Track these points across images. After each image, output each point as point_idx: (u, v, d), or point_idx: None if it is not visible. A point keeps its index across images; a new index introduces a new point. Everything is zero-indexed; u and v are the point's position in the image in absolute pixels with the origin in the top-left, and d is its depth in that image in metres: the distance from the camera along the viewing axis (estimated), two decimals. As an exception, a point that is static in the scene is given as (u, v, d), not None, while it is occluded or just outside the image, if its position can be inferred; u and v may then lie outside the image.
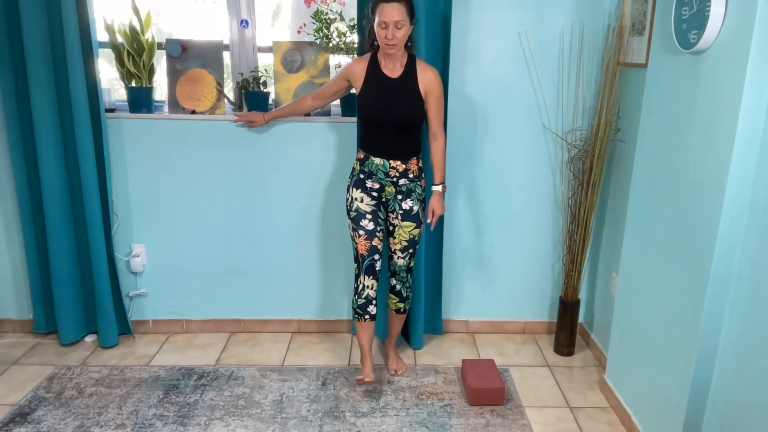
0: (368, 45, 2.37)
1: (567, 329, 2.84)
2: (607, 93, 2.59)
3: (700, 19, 1.75)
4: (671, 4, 1.92)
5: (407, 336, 2.91)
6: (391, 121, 2.32)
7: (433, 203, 2.42)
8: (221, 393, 2.50)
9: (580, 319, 3.03)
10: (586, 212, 2.71)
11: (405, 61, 2.32)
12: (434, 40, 2.58)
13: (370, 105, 2.33)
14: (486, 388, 2.41)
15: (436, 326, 2.99)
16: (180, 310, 3.02)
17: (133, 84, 2.73)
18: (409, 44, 2.33)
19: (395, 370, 2.65)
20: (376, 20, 2.19)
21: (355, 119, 2.67)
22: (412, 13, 2.22)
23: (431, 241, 2.82)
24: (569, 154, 2.79)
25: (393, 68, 2.32)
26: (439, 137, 2.41)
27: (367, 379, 2.37)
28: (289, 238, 2.92)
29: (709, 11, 1.70)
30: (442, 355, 2.86)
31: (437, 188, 2.42)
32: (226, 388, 2.53)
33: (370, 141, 2.38)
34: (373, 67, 2.33)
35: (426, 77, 2.32)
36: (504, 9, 2.66)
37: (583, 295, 2.96)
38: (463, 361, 2.61)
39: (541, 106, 2.77)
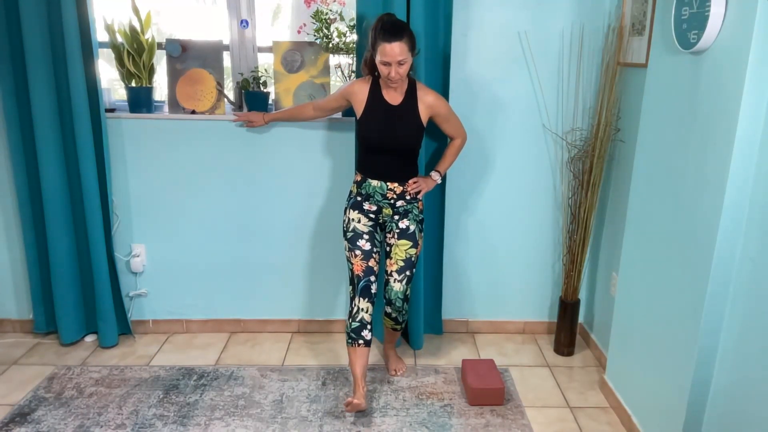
0: (366, 71, 2.35)
1: (567, 329, 2.84)
2: (607, 93, 2.59)
3: (700, 19, 1.75)
4: (671, 4, 1.92)
5: (407, 336, 2.91)
6: (391, 147, 2.33)
7: (424, 179, 2.43)
8: (221, 393, 2.50)
9: (580, 319, 3.03)
10: (586, 212, 2.71)
11: (406, 87, 2.31)
12: (434, 41, 2.58)
13: (371, 131, 2.32)
14: (486, 388, 2.41)
15: (436, 326, 2.99)
16: (180, 310, 3.02)
17: (133, 84, 2.73)
18: (410, 72, 2.30)
19: (395, 370, 2.65)
20: (378, 58, 2.16)
21: (354, 119, 2.66)
22: (413, 46, 2.20)
23: (431, 241, 2.82)
24: (569, 154, 2.79)
25: (394, 95, 2.31)
26: (456, 138, 2.49)
27: (356, 401, 2.22)
28: (289, 238, 2.92)
29: (709, 11, 1.70)
30: (442, 355, 2.86)
31: (434, 174, 2.48)
32: (226, 388, 2.53)
33: (369, 164, 2.37)
34: (375, 93, 2.32)
35: (427, 103, 2.31)
36: (504, 9, 2.66)
37: (583, 295, 2.96)
38: (463, 361, 2.61)
39: (541, 106, 2.77)
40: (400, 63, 2.15)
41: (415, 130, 2.32)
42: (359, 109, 2.34)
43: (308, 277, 2.99)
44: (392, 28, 2.14)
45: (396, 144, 2.32)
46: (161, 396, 2.47)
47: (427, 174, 2.52)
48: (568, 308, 2.82)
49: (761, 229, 1.62)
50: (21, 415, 2.33)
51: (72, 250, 2.80)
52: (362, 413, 2.36)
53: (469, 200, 2.90)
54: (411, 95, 2.31)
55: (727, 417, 1.77)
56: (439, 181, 2.50)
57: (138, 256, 2.91)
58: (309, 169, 2.83)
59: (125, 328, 2.94)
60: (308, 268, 2.98)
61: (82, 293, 2.88)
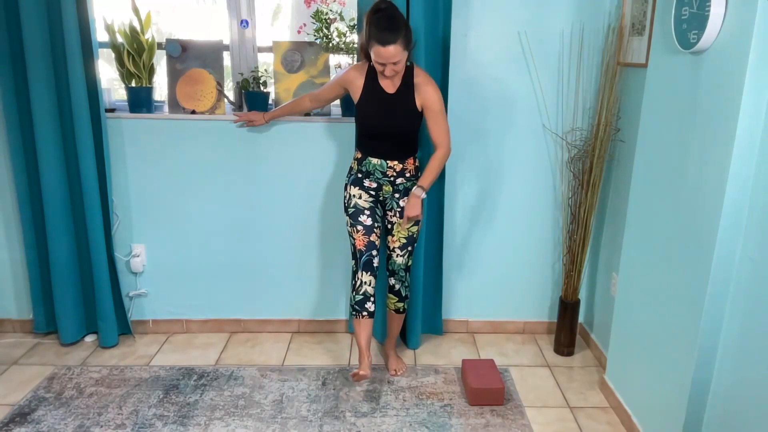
0: (362, 56, 2.34)
1: (567, 329, 2.84)
2: (607, 93, 2.59)
3: (700, 19, 1.75)
4: (671, 4, 1.92)
5: (404, 335, 2.90)
6: (388, 132, 2.35)
7: (407, 203, 2.36)
8: (221, 393, 2.50)
9: (580, 319, 3.03)
10: (586, 212, 2.71)
11: (402, 73, 2.30)
12: (434, 42, 2.58)
13: (368, 118, 2.35)
14: (486, 388, 2.41)
15: (436, 326, 2.99)
16: (180, 310, 3.02)
17: (133, 84, 2.73)
18: (408, 63, 2.29)
19: (395, 370, 2.65)
20: (372, 56, 2.17)
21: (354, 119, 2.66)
22: (408, 43, 2.18)
23: (431, 241, 2.82)
24: (569, 154, 2.79)
25: (390, 83, 2.31)
26: (439, 147, 2.34)
27: (362, 373, 2.30)
28: (289, 238, 2.92)
29: (709, 11, 1.70)
30: (442, 355, 2.86)
31: (416, 189, 2.34)
32: (226, 388, 2.53)
33: (368, 144, 2.40)
34: (370, 80, 2.32)
35: (423, 92, 2.29)
36: (504, 9, 2.66)
37: (583, 295, 2.96)
38: (463, 361, 2.61)
39: (541, 106, 2.77)
40: (395, 63, 2.16)
41: (411, 116, 2.32)
42: (356, 95, 2.36)
43: (308, 277, 2.99)
44: (387, 29, 2.11)
45: (393, 130, 2.34)
46: (161, 396, 2.47)
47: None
48: (568, 308, 2.82)
49: (761, 229, 1.62)
50: (21, 415, 2.33)
51: (72, 250, 2.79)
52: (363, 413, 2.36)
53: (468, 200, 2.90)
54: (407, 83, 2.30)
55: (727, 417, 1.77)
56: (424, 196, 2.36)
57: (138, 256, 2.91)
58: (309, 169, 2.83)
59: (125, 328, 2.94)
60: (308, 268, 2.97)
61: (82, 293, 2.88)
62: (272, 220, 2.90)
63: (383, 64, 2.17)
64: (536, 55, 2.70)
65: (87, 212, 2.69)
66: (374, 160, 2.39)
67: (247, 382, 2.59)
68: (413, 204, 2.34)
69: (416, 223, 2.45)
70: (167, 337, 3.00)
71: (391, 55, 2.13)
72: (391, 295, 2.58)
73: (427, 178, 2.35)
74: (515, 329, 3.08)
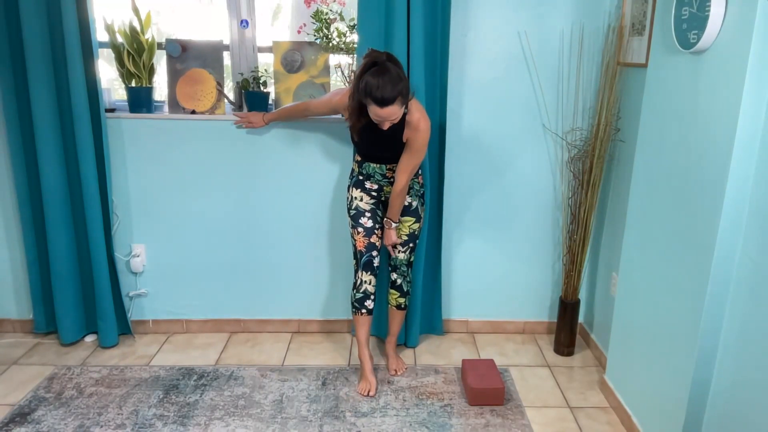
0: (354, 115, 2.28)
1: (567, 329, 2.84)
2: (607, 93, 2.59)
3: (700, 19, 1.75)
4: (671, 4, 1.92)
5: (404, 335, 2.90)
6: (378, 160, 2.40)
7: (384, 233, 2.50)
8: (221, 393, 2.50)
9: (580, 319, 3.03)
10: (586, 212, 2.71)
11: None
12: (432, 43, 2.58)
13: (359, 145, 2.41)
14: (486, 388, 2.41)
15: (436, 326, 2.99)
16: (180, 310, 3.02)
17: (133, 84, 2.73)
18: (405, 110, 2.26)
19: (395, 370, 2.65)
20: (369, 111, 2.15)
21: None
22: (406, 95, 2.14)
23: (431, 241, 2.82)
24: (569, 154, 2.79)
25: None
26: (396, 181, 2.35)
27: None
28: (289, 237, 2.92)
29: (709, 11, 1.70)
30: (442, 355, 2.86)
31: (386, 222, 2.47)
32: (226, 388, 2.53)
33: (365, 156, 2.44)
34: (363, 113, 2.27)
35: (412, 130, 2.26)
36: (504, 9, 2.66)
37: (583, 295, 2.96)
38: (463, 361, 2.61)
39: (541, 106, 2.77)
40: (392, 119, 2.17)
41: (399, 148, 2.34)
42: (350, 120, 2.34)
43: (308, 277, 2.99)
44: (384, 89, 2.06)
45: (384, 156, 2.39)
46: (161, 396, 2.47)
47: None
48: (568, 308, 2.82)
49: (761, 229, 1.62)
50: (21, 415, 2.33)
51: (72, 250, 2.79)
52: (363, 413, 2.36)
53: (468, 200, 2.90)
54: (400, 121, 2.27)
55: (727, 417, 1.77)
56: (394, 226, 2.46)
57: (138, 256, 2.91)
58: (309, 169, 2.83)
59: (125, 328, 2.94)
60: (308, 268, 2.97)
61: (82, 293, 2.88)
62: (272, 220, 2.90)
63: (381, 120, 2.17)
64: (536, 55, 2.70)
65: (87, 212, 2.69)
66: (373, 164, 2.43)
67: (247, 382, 2.59)
68: (387, 234, 2.49)
69: (418, 219, 2.52)
70: (167, 337, 3.00)
71: (388, 114, 2.12)
72: (392, 291, 2.62)
73: (392, 210, 2.44)
74: (515, 329, 3.08)
